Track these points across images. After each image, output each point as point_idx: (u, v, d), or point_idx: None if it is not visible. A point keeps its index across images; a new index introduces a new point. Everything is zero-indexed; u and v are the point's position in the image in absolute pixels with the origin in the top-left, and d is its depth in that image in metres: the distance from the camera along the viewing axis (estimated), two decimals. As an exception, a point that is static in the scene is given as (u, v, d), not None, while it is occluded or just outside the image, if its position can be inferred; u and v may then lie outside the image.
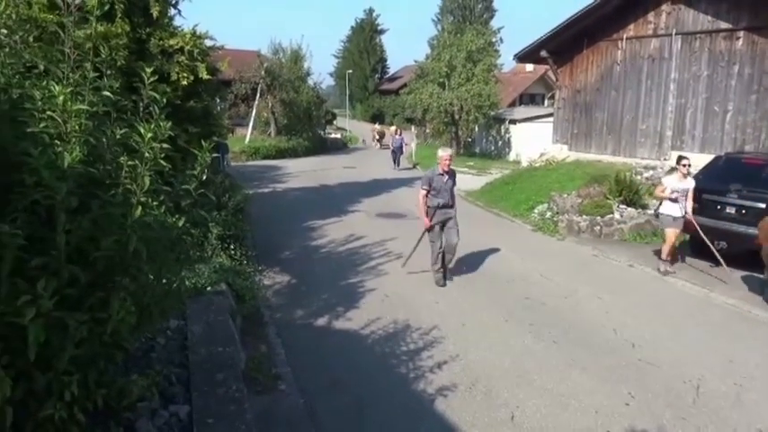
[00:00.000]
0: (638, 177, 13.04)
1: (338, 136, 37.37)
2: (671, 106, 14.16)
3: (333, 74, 63.15)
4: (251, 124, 29.90)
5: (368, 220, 12.84)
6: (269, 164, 24.71)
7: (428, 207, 7.81)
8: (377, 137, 35.41)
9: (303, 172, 21.74)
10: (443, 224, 7.82)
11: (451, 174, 7.83)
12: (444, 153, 7.76)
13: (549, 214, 12.29)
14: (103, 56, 2.48)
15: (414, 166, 24.27)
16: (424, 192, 7.74)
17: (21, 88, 2.34)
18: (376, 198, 15.78)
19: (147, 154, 2.39)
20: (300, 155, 28.33)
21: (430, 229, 7.84)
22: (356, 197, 15.58)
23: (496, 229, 12.13)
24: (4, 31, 2.40)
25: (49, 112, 2.25)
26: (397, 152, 23.76)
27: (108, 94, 2.52)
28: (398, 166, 23.65)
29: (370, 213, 13.54)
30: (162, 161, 2.59)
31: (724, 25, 13.00)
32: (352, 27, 59.65)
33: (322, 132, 35.06)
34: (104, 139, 2.47)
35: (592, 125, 16.07)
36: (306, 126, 31.19)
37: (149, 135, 2.39)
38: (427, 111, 28.88)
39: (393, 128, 28.92)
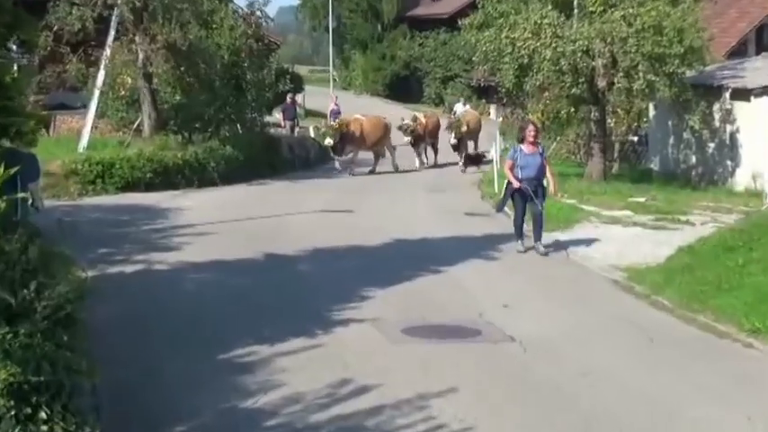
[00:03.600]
0: None
1: (307, 130, 30.97)
2: None
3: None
4: (93, 104, 22.62)
5: (383, 343, 9.57)
6: (138, 202, 18.53)
7: None
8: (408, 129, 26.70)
9: (222, 223, 16.13)
10: None
11: None
12: None
13: None
14: None
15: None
16: None
17: None
18: (403, 287, 11.28)
19: None
20: (217, 180, 21.11)
21: None
22: (354, 284, 11.16)
23: (709, 368, 8.42)
24: None
25: None
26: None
27: None
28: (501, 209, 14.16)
29: (390, 326, 9.73)
30: None
31: None
32: None
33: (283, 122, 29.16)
34: None
35: None
36: (231, 110, 24.06)
37: None
38: (528, 68, 20.07)
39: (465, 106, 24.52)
